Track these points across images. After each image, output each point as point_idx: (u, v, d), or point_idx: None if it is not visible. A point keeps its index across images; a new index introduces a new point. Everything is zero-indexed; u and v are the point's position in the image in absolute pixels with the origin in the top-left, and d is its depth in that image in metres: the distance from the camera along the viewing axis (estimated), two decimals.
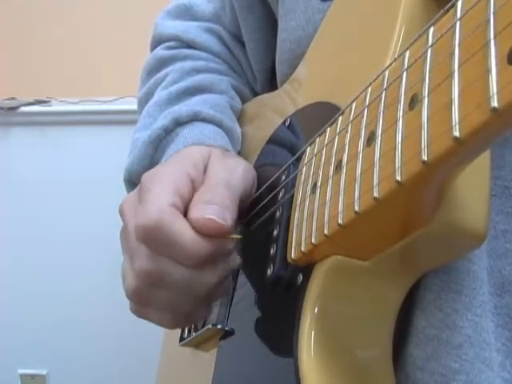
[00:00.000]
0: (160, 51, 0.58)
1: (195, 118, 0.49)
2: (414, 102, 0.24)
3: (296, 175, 0.36)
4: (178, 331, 0.51)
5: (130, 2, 1.68)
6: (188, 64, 0.55)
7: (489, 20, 0.20)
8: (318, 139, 0.35)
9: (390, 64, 0.28)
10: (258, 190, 0.43)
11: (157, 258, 0.36)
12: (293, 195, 0.36)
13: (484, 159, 0.28)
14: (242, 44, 0.57)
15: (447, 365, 0.31)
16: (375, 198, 0.26)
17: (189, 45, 0.58)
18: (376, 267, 0.30)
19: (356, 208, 0.27)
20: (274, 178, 0.41)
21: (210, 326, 0.43)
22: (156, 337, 0.60)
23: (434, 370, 0.31)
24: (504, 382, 0.33)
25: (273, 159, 0.45)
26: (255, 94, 0.58)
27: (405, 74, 0.26)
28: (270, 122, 0.47)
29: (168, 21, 0.60)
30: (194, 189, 0.38)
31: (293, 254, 0.33)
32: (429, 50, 0.24)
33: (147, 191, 0.37)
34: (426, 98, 0.23)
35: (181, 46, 0.58)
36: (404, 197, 0.26)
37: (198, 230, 0.35)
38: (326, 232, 0.29)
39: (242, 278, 0.43)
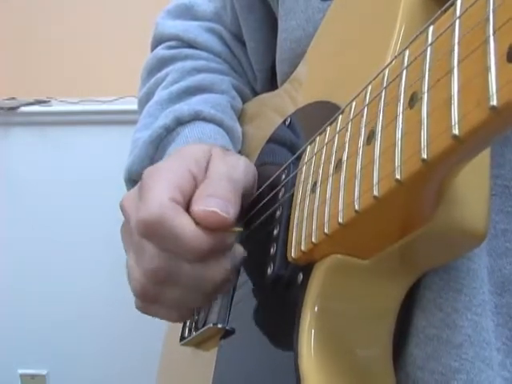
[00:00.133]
0: (160, 51, 0.58)
1: (196, 117, 0.49)
2: (413, 100, 0.24)
3: (296, 174, 0.36)
4: (179, 331, 0.51)
5: (130, 2, 1.68)
6: (189, 64, 0.55)
7: (488, 17, 0.20)
8: (318, 138, 0.35)
9: (390, 62, 0.28)
10: (258, 189, 0.43)
11: (162, 255, 0.35)
12: (293, 194, 0.36)
13: (484, 158, 0.28)
14: (243, 44, 0.57)
15: (447, 364, 0.31)
16: (375, 197, 0.26)
17: (189, 44, 0.58)
18: (376, 266, 0.30)
19: (356, 207, 0.27)
20: (274, 177, 0.41)
21: (211, 325, 0.43)
22: (156, 336, 0.60)
23: (434, 370, 0.31)
24: (504, 381, 0.33)
25: (273, 158, 0.45)
26: (256, 93, 0.58)
27: (404, 72, 0.26)
28: (271, 121, 0.47)
29: (168, 20, 0.60)
30: (195, 185, 0.38)
31: (293, 253, 0.33)
32: (428, 49, 0.24)
33: (148, 187, 0.37)
34: (426, 94, 0.23)
35: (181, 46, 0.58)
36: (404, 195, 0.26)
37: (201, 222, 0.35)
38: (326, 231, 0.29)
39: (243, 277, 0.43)
